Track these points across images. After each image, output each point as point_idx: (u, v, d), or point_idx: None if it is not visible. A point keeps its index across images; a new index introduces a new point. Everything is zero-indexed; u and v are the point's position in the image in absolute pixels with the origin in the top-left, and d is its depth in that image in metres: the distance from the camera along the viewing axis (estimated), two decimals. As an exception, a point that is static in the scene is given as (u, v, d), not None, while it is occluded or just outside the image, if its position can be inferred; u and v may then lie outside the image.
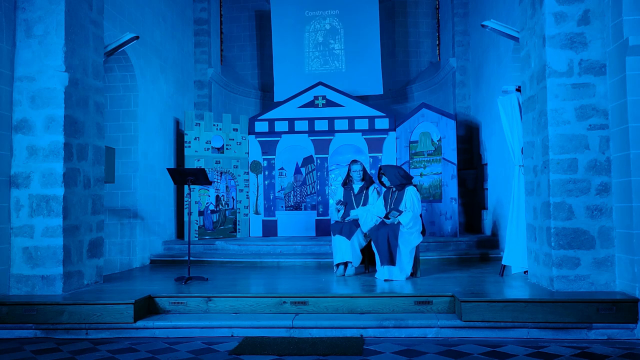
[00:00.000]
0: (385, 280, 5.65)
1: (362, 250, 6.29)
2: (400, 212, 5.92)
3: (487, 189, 8.72)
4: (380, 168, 6.31)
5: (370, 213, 6.16)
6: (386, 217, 5.98)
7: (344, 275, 6.09)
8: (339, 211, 6.44)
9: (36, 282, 5.06)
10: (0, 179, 5.02)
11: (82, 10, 5.45)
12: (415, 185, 6.22)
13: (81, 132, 5.41)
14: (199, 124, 8.88)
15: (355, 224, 6.27)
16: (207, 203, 8.86)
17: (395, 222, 5.89)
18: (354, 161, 6.62)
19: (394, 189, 6.17)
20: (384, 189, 6.44)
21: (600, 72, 4.76)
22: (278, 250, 7.93)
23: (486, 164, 8.77)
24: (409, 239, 5.87)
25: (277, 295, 4.90)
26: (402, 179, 6.10)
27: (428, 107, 8.82)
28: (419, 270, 6.02)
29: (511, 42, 6.86)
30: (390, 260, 5.72)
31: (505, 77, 7.32)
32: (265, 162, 9.45)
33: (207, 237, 8.72)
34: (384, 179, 6.24)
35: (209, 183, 6.19)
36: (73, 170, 5.28)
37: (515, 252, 5.75)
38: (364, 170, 6.56)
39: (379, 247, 5.81)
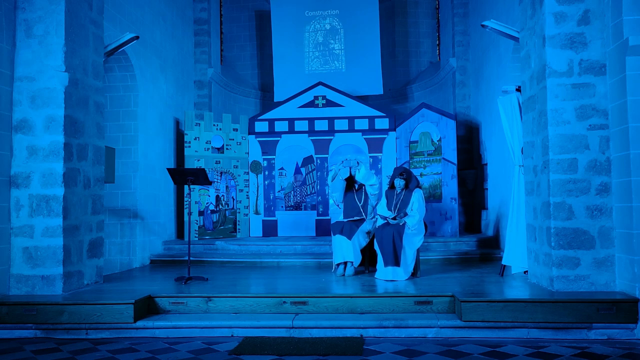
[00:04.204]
0: (389, 280, 5.65)
1: (362, 251, 6.30)
2: (407, 214, 5.95)
3: (487, 189, 8.72)
4: (402, 173, 6.16)
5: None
6: (393, 218, 5.97)
7: (344, 275, 6.09)
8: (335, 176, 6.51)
9: (36, 282, 5.06)
10: (0, 179, 5.02)
11: (82, 10, 5.45)
12: (421, 188, 6.25)
13: (81, 132, 5.41)
14: (199, 124, 8.88)
15: (356, 224, 6.28)
16: (207, 203, 8.86)
17: (401, 223, 5.90)
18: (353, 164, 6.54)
19: (399, 190, 6.17)
20: (384, 188, 6.43)
21: (600, 72, 4.76)
22: (278, 250, 7.93)
23: (486, 164, 8.77)
24: (413, 240, 5.88)
25: (277, 295, 4.90)
26: (417, 186, 6.20)
27: (428, 107, 8.82)
28: (419, 270, 6.02)
29: (511, 42, 6.86)
30: (395, 261, 5.72)
31: (505, 77, 7.32)
32: (265, 162, 9.45)
33: (207, 237, 8.72)
34: (399, 182, 6.14)
35: (209, 183, 6.19)
36: (73, 170, 5.28)
37: (515, 252, 5.75)
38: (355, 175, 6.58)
39: (384, 247, 5.80)
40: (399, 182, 6.15)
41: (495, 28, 5.96)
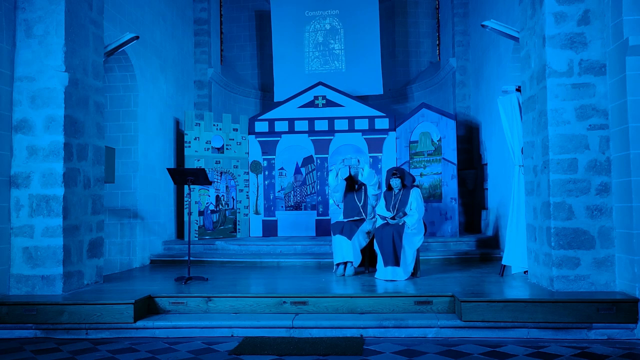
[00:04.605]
0: (388, 280, 5.65)
1: (362, 251, 6.30)
2: (406, 214, 5.96)
3: (487, 189, 8.72)
4: (395, 172, 6.19)
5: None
6: (392, 218, 5.99)
7: (344, 275, 6.09)
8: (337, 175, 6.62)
9: (36, 282, 5.06)
10: (0, 179, 5.02)
11: (82, 10, 5.45)
12: (418, 186, 6.25)
13: (81, 132, 5.41)
14: (199, 124, 8.88)
15: (356, 224, 6.28)
16: (207, 203, 8.86)
17: (400, 223, 5.90)
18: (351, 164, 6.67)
19: (397, 190, 6.18)
20: (383, 189, 6.44)
21: (600, 72, 4.76)
22: (278, 250, 7.93)
23: (486, 164, 8.77)
24: (413, 240, 5.88)
25: (277, 295, 4.90)
26: (412, 182, 6.20)
27: (428, 107, 8.82)
28: (419, 270, 6.02)
29: (511, 42, 6.86)
30: (395, 260, 5.72)
31: (505, 77, 7.32)
32: (265, 162, 9.45)
33: (207, 237, 8.72)
34: (395, 181, 6.17)
35: (209, 183, 6.19)
36: (73, 170, 5.28)
37: (515, 252, 5.76)
38: (356, 174, 6.62)
39: (384, 247, 5.80)
40: (395, 182, 6.16)
41: (495, 28, 5.96)
